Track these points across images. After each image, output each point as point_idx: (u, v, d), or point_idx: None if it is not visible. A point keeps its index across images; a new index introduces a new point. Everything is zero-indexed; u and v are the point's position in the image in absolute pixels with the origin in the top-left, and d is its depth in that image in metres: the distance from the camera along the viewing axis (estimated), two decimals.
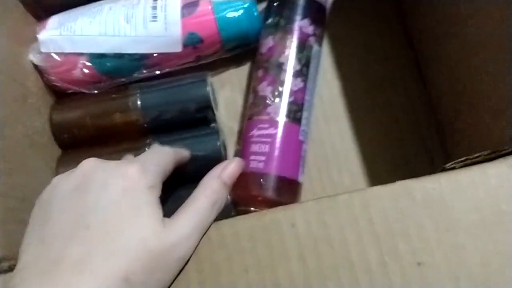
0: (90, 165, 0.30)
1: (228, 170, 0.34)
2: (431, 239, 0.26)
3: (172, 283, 0.28)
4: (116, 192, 0.28)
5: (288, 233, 0.27)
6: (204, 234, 0.29)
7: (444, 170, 0.29)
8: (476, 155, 0.28)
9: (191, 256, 0.28)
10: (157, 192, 0.31)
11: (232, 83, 0.47)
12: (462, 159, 0.28)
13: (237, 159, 0.36)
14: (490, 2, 0.29)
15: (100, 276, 0.26)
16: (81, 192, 0.28)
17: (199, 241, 0.29)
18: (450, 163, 0.28)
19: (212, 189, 0.32)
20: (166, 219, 0.29)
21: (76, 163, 0.41)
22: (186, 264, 0.28)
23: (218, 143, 0.41)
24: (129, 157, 0.36)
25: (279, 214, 0.28)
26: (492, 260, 0.25)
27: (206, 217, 0.30)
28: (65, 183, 0.30)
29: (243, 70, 0.48)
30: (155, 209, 0.29)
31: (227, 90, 0.47)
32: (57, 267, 0.26)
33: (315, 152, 0.43)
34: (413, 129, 0.44)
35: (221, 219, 0.36)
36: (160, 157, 0.33)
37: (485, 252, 0.26)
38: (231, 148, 0.45)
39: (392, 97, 0.45)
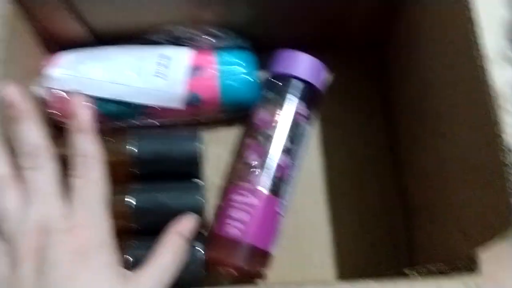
0: (36, 247, 0.29)
1: (187, 225, 0.36)
2: None
3: None
4: (70, 268, 0.29)
5: None
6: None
7: (404, 274, 0.31)
8: (434, 266, 0.31)
9: None
10: (110, 245, 0.31)
11: (221, 142, 0.49)
12: (420, 268, 0.31)
13: (192, 215, 0.38)
14: (465, 121, 0.32)
15: None
16: (37, 273, 0.28)
17: None
18: (410, 269, 0.31)
19: (174, 244, 0.34)
20: (129, 273, 0.31)
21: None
22: None
23: (199, 200, 0.43)
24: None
25: None
26: None
27: (168, 272, 0.32)
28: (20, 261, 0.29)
29: (234, 131, 0.50)
30: (112, 269, 0.30)
31: (215, 146, 0.49)
32: None
33: (289, 222, 0.45)
34: (385, 220, 0.46)
35: (190, 277, 0.38)
36: (97, 189, 0.33)
37: None
38: (212, 202, 0.47)
39: (369, 184, 0.48)
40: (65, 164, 0.42)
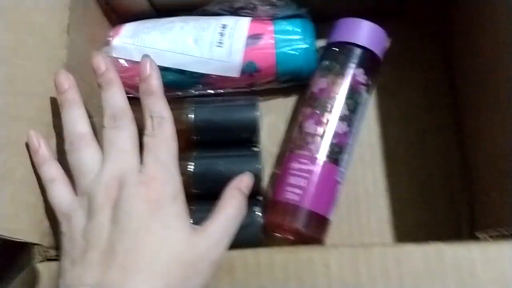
0: (111, 200, 0.31)
1: (247, 182, 0.37)
2: None
3: None
4: (144, 217, 0.30)
5: (320, 273, 0.29)
6: (231, 239, 0.32)
7: (474, 236, 0.31)
8: (509, 228, 0.30)
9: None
10: (181, 198, 0.33)
11: (278, 110, 0.50)
12: (495, 230, 0.30)
13: (248, 173, 0.39)
14: None
15: None
16: (113, 223, 0.30)
17: (228, 245, 0.32)
18: (482, 232, 0.30)
19: (236, 199, 0.35)
20: (197, 226, 0.32)
21: None
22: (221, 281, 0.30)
23: (257, 167, 0.44)
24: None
25: (315, 252, 0.30)
26: None
27: (233, 224, 0.33)
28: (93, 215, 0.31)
29: (290, 100, 0.50)
30: (183, 220, 0.32)
31: (272, 115, 0.50)
32: None
33: (347, 193, 0.45)
34: (446, 188, 0.45)
35: (249, 239, 0.38)
36: (169, 148, 0.34)
37: None
38: (267, 170, 0.48)
39: (429, 153, 0.47)
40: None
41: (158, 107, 0.35)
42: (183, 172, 0.43)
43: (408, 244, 0.29)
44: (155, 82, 0.35)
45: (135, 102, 0.36)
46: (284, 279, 0.29)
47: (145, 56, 0.37)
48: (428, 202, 0.45)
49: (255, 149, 0.46)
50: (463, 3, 0.45)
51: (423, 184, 0.46)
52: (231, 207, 0.34)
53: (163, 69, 0.44)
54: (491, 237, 0.32)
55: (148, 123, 0.34)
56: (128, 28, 0.45)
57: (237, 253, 0.31)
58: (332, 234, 0.43)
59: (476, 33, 0.43)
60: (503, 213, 0.35)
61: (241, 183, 0.37)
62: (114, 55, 0.44)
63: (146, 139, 0.33)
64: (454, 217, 0.44)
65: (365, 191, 0.46)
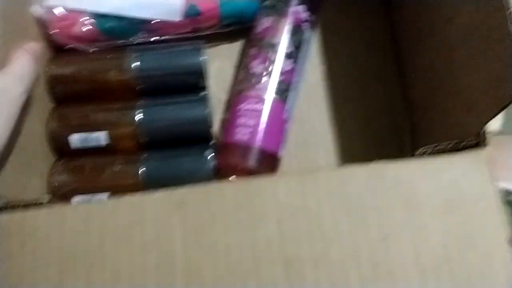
0: None
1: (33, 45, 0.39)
2: (398, 217, 0.29)
3: None
4: None
5: (269, 200, 0.30)
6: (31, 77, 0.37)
7: (414, 155, 0.32)
8: (445, 143, 0.31)
9: None
10: None
11: (224, 56, 0.49)
12: (432, 146, 0.31)
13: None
14: (471, 4, 0.32)
15: None
16: None
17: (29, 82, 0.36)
18: (420, 149, 0.31)
19: (25, 52, 0.38)
20: None
21: (67, 114, 0.43)
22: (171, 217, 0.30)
23: (206, 111, 0.43)
24: None
25: (263, 182, 0.31)
26: (452, 240, 0.29)
27: (27, 67, 0.37)
28: None
29: (236, 46, 0.49)
30: None
31: (218, 61, 0.49)
32: None
33: (295, 130, 0.46)
34: (389, 117, 0.47)
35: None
36: None
37: (446, 232, 0.29)
38: (216, 116, 0.47)
39: (373, 87, 0.48)
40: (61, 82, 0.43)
41: None
42: (131, 121, 0.42)
43: (350, 166, 0.30)
44: None
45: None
46: (234, 209, 0.30)
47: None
48: (372, 133, 0.46)
49: (203, 93, 0.45)
50: None
51: (367, 117, 0.47)
52: (24, 56, 0.37)
53: (101, 16, 0.43)
54: (430, 153, 0.33)
55: None
56: None
57: (188, 189, 0.31)
58: (282, 171, 0.44)
59: None
60: (437, 131, 0.36)
61: (29, 45, 0.39)
62: (48, 4, 0.42)
63: None
64: (398, 144, 0.46)
65: (312, 127, 0.47)
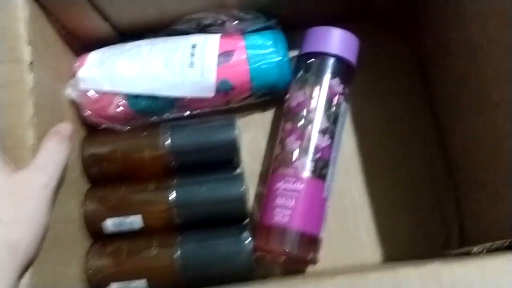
0: None
1: (63, 126, 0.39)
2: None
3: None
4: None
5: None
6: (59, 168, 0.35)
7: (469, 253, 0.30)
8: (502, 242, 0.30)
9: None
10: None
11: (257, 127, 0.49)
12: (489, 244, 0.30)
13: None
14: None
15: None
16: None
17: (57, 173, 0.35)
18: (477, 247, 0.30)
19: (56, 135, 0.37)
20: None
21: (103, 197, 0.42)
22: None
23: (241, 189, 0.43)
24: None
25: (310, 284, 0.29)
26: None
27: (56, 154, 0.36)
28: None
29: (268, 115, 0.49)
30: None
31: (251, 132, 0.48)
32: None
33: (334, 206, 0.44)
34: (431, 192, 0.45)
35: (240, 267, 0.37)
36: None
37: None
38: (252, 189, 0.46)
39: (411, 157, 0.46)
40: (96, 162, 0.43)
41: None
42: (164, 201, 0.42)
43: (404, 267, 0.29)
44: None
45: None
46: None
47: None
48: (414, 206, 0.45)
49: (238, 170, 0.44)
50: (430, 2, 0.45)
51: (408, 189, 0.45)
52: (51, 142, 0.36)
53: (135, 96, 0.43)
54: (488, 251, 0.32)
55: None
56: (93, 57, 0.43)
57: None
58: (323, 250, 0.42)
59: (445, 31, 0.42)
60: (493, 223, 0.35)
61: (59, 127, 0.38)
62: (82, 86, 0.42)
63: None
64: (441, 220, 0.44)
65: (352, 202, 0.45)
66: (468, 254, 0.32)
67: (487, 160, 0.37)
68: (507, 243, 0.29)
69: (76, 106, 0.43)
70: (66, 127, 0.39)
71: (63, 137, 0.37)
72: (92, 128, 0.45)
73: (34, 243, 0.32)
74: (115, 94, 0.42)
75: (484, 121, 0.36)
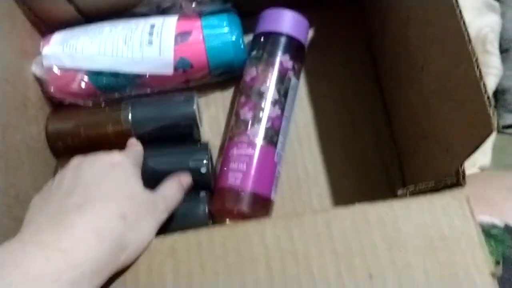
0: (79, 158, 0.37)
1: (183, 176, 0.42)
2: (383, 256, 0.30)
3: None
4: (105, 167, 0.35)
5: (257, 244, 0.31)
6: (170, 212, 0.37)
7: (396, 196, 0.33)
8: (425, 183, 0.32)
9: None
10: (139, 171, 0.38)
11: (217, 104, 0.52)
12: (412, 187, 0.33)
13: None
14: (438, 52, 0.34)
15: (101, 213, 0.31)
16: (76, 171, 0.35)
17: (166, 214, 0.37)
18: (401, 190, 0.33)
19: (176, 182, 0.40)
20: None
21: None
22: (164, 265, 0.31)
23: (205, 161, 0.45)
24: None
25: (251, 226, 0.32)
26: (435, 278, 0.29)
27: (173, 198, 0.39)
28: (62, 173, 0.35)
29: (227, 93, 0.52)
30: (140, 180, 0.36)
31: (212, 110, 0.51)
32: (61, 210, 0.31)
33: (288, 173, 0.47)
34: (377, 159, 0.48)
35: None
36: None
37: (429, 270, 0.30)
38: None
39: (360, 128, 0.49)
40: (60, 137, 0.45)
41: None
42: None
43: (335, 209, 0.31)
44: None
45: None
46: (223, 253, 0.31)
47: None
48: (363, 174, 0.48)
49: (200, 143, 0.47)
50: None
51: (357, 158, 0.48)
52: (172, 185, 0.39)
53: (97, 73, 0.45)
54: (411, 193, 0.35)
55: None
56: (57, 36, 0.46)
57: (179, 236, 0.32)
58: (277, 213, 0.45)
59: (384, 14, 0.46)
60: (419, 171, 0.38)
61: (180, 176, 0.41)
62: (46, 63, 0.44)
63: None
64: (388, 183, 0.47)
65: (304, 170, 0.48)
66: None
67: (420, 119, 0.40)
68: (430, 184, 0.32)
69: (41, 83, 0.45)
70: (187, 180, 0.42)
71: (181, 185, 0.41)
72: (57, 105, 0.47)
73: (133, 255, 0.32)
74: (77, 70, 0.45)
75: (414, 84, 0.40)
